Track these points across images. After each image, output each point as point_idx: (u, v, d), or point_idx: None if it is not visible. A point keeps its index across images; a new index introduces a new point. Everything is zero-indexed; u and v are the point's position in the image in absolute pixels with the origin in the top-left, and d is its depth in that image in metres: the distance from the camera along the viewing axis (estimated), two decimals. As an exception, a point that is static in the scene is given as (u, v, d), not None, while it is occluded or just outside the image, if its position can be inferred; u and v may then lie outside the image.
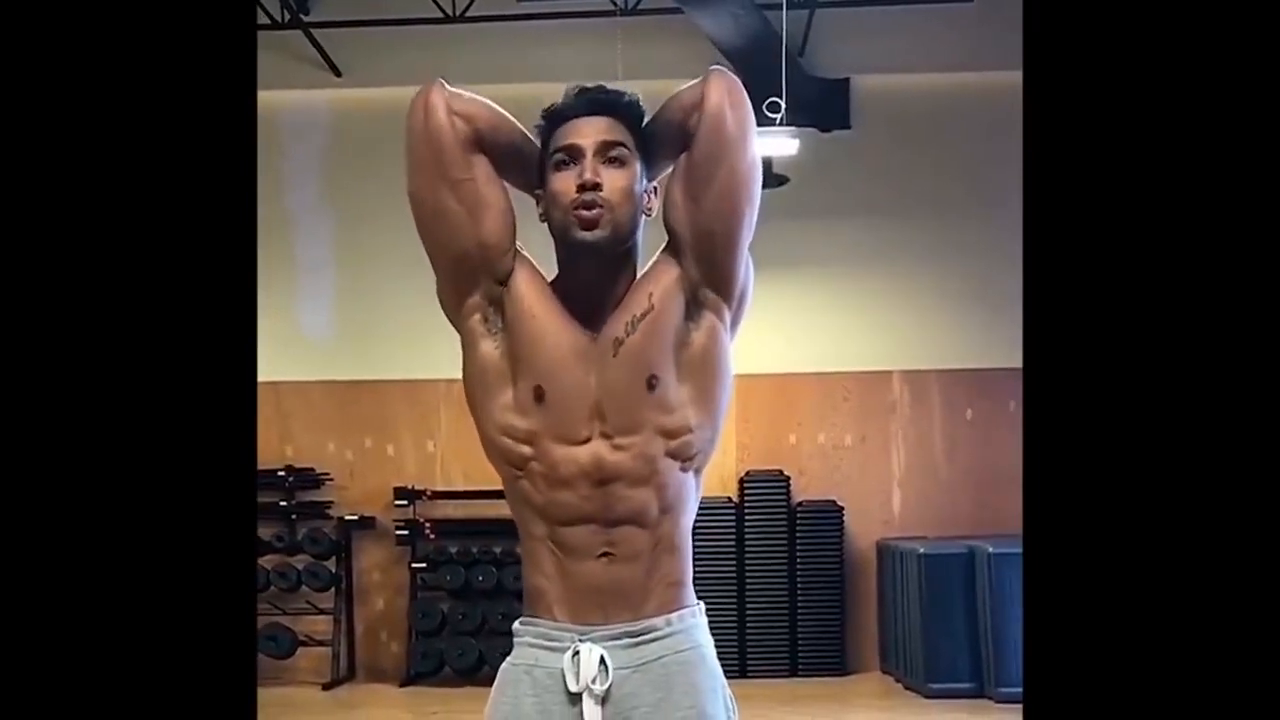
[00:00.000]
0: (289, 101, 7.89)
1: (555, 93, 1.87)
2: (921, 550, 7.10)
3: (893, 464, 8.09)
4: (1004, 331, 7.21)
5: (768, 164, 7.04)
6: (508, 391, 1.84)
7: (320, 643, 7.77)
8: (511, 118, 1.89)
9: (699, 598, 1.88)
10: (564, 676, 1.79)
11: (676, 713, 1.80)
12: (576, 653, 1.80)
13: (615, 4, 7.42)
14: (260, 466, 7.32)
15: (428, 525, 7.85)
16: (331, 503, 7.96)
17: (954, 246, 7.94)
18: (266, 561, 7.69)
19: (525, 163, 1.87)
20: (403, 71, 6.81)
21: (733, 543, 7.70)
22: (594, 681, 1.78)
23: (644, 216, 1.85)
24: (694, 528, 1.89)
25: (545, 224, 1.86)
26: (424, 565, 7.79)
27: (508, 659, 1.87)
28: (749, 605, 7.67)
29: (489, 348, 1.85)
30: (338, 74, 7.98)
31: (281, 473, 7.91)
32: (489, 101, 1.87)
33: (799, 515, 7.80)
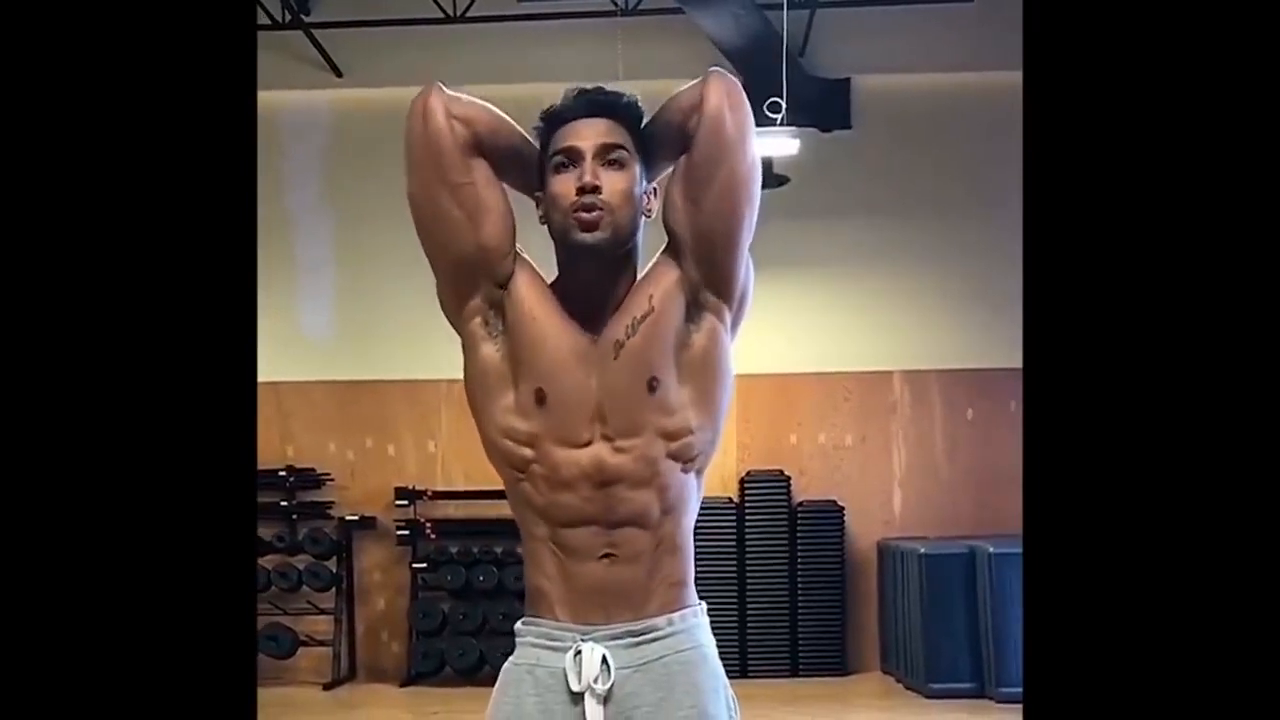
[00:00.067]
0: (289, 101, 7.89)
1: (555, 93, 1.87)
2: (922, 550, 7.10)
3: (893, 464, 8.09)
4: (1004, 331, 7.20)
5: (768, 164, 7.04)
6: (509, 394, 1.84)
7: (321, 643, 7.77)
8: (510, 120, 1.89)
9: (700, 598, 1.88)
10: (566, 676, 1.80)
11: (678, 712, 1.80)
12: (578, 652, 1.80)
13: (615, 4, 7.42)
14: (261, 466, 7.33)
15: (428, 525, 7.84)
16: (332, 503, 7.95)
17: (955, 246, 7.93)
18: (267, 561, 7.68)
19: (525, 165, 1.87)
20: (403, 72, 6.81)
21: (733, 543, 7.70)
22: (596, 681, 1.79)
23: (644, 218, 1.85)
24: (695, 528, 1.89)
25: (545, 226, 1.86)
26: (425, 565, 7.78)
27: (510, 659, 1.87)
28: (750, 605, 7.66)
29: (490, 350, 1.85)
30: (338, 74, 7.98)
31: (282, 473, 7.90)
32: (488, 104, 1.86)
33: (800, 515, 7.79)
